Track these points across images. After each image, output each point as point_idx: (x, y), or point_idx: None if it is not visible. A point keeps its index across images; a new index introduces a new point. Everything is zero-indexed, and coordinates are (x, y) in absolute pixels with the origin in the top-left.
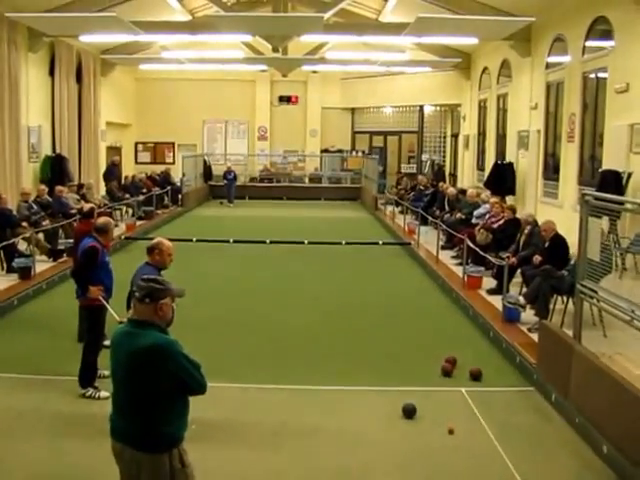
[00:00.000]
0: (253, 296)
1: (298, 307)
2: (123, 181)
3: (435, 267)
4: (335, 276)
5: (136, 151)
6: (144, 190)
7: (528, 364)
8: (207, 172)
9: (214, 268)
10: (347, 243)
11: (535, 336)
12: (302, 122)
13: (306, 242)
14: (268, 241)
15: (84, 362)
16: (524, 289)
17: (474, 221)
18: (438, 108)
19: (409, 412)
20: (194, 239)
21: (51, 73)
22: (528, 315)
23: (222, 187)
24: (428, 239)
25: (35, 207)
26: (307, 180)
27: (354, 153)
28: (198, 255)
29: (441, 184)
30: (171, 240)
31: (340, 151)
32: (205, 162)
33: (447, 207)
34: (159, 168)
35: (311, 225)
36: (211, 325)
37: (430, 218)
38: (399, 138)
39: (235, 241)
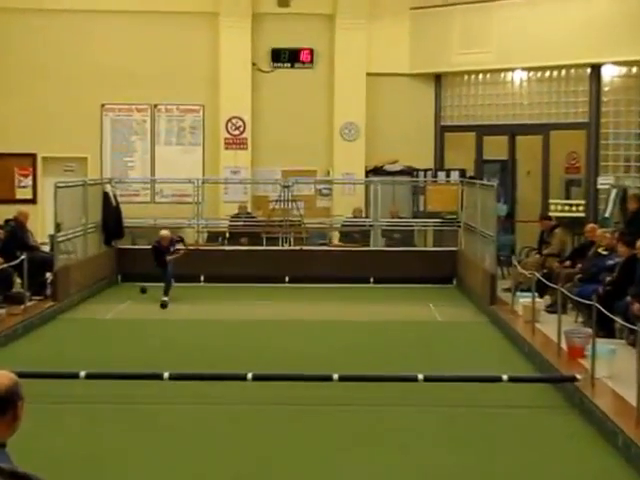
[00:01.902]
0: None
1: None
2: None
3: (635, 436)
4: (398, 454)
5: None
6: None
7: None
8: (112, 220)
9: (128, 442)
10: (429, 379)
11: None
12: (324, 108)
13: (336, 378)
14: (249, 376)
15: None
16: None
17: None
18: (635, 70)
19: None
20: (82, 374)
21: None
22: None
23: (146, 254)
24: (616, 369)
25: None
26: (337, 238)
27: (441, 176)
28: (89, 412)
29: None
30: (22, 376)
31: (410, 172)
32: (107, 198)
33: None
34: (0, 213)
35: (347, 340)
36: None
37: (619, 321)
38: (544, 140)
39: (174, 377)
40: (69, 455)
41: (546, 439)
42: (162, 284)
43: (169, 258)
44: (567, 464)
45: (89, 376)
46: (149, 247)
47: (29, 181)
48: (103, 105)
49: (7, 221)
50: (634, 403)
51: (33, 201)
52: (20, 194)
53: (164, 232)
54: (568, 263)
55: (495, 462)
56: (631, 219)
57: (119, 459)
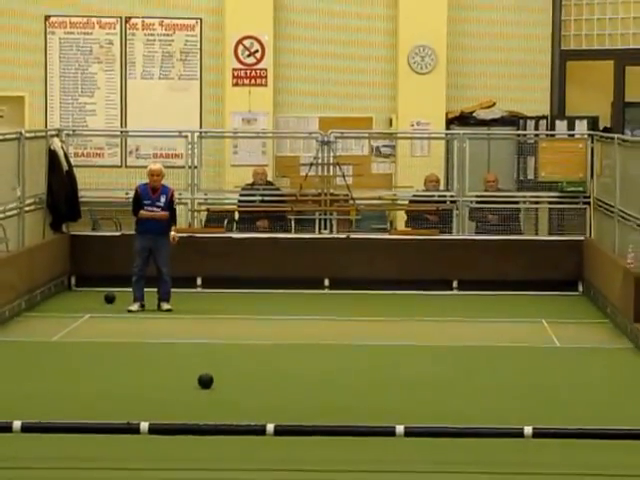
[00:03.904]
0: None
1: None
2: None
3: None
4: None
5: None
6: None
7: None
8: (62, 193)
9: None
10: (540, 435)
11: None
12: (383, 23)
13: (401, 432)
14: (270, 429)
15: None
16: None
17: None
18: None
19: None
20: (16, 425)
21: None
22: None
23: (113, 244)
24: None
25: None
26: (402, 220)
27: (560, 127)
28: None
29: None
30: None
31: (514, 121)
32: (55, 160)
33: None
34: None
35: (417, 374)
36: None
37: None
38: None
39: (157, 431)
40: None
41: None
42: (135, 289)
43: (173, 234)
44: None
45: (27, 428)
46: (117, 234)
47: None
48: (48, 18)
49: None
50: None
51: None
52: None
53: (156, 165)
54: None
55: None
56: None
57: None
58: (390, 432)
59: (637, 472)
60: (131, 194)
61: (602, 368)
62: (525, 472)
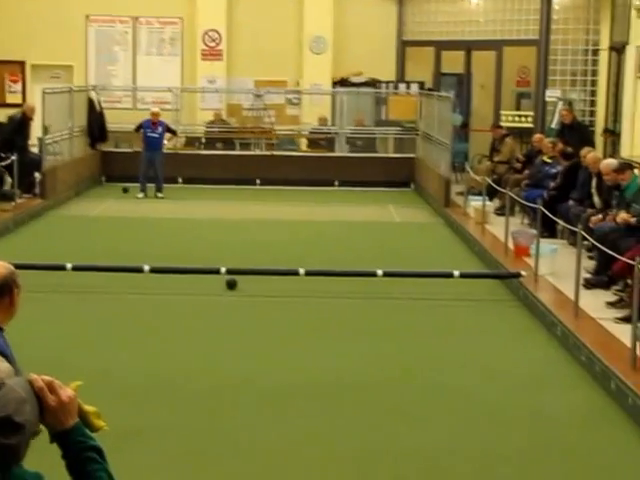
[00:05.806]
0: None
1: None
2: None
3: (573, 326)
4: (359, 342)
5: None
6: None
7: None
8: (96, 125)
9: (107, 327)
10: (387, 275)
11: None
12: (294, 23)
13: (302, 272)
14: (223, 270)
15: None
16: None
17: None
18: None
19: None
20: (68, 266)
21: None
22: None
23: (128, 156)
24: (557, 266)
25: None
26: (305, 144)
27: (402, 88)
28: (76, 301)
29: (585, 152)
30: (18, 267)
31: (373, 84)
32: (92, 104)
33: (597, 199)
34: None
35: (313, 238)
36: None
37: (562, 223)
38: (497, 56)
39: (155, 270)
40: (58, 339)
41: (492, 329)
42: (140, 183)
43: (165, 142)
44: (510, 352)
45: (75, 268)
46: (130, 150)
47: (18, 87)
48: (88, 16)
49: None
50: (572, 297)
51: (22, 106)
52: (10, 99)
53: (156, 108)
54: (518, 169)
55: (444, 348)
56: (570, 131)
57: (102, 341)
58: (294, 272)
59: (444, 297)
60: None
61: (423, 233)
62: (377, 297)
